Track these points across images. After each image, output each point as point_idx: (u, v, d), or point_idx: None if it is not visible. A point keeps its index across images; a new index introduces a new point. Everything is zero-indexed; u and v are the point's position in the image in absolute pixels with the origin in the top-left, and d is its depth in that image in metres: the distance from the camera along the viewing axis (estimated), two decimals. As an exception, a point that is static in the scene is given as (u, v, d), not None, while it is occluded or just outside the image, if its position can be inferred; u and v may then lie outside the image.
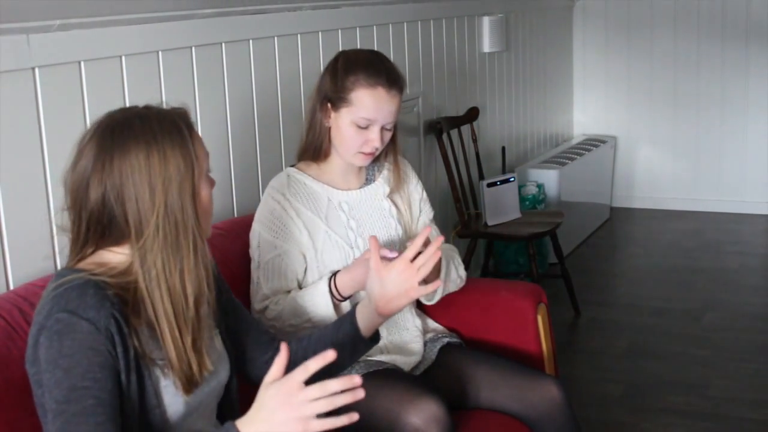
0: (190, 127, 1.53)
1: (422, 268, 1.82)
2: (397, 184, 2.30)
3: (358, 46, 3.27)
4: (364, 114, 2.11)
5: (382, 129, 2.14)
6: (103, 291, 1.45)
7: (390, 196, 2.30)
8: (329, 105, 2.15)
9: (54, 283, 1.48)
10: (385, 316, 1.85)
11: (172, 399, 1.53)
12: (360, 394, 1.43)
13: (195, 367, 1.52)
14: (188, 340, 1.50)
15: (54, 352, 1.42)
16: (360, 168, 2.27)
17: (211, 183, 1.59)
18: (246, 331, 1.81)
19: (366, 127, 2.12)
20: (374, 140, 2.13)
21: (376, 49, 3.41)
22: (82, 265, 1.52)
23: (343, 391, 1.41)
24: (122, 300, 1.47)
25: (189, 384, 1.52)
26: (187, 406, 1.56)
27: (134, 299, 1.49)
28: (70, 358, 1.41)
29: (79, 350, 1.42)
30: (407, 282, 1.81)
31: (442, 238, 1.90)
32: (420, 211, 2.38)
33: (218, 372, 1.65)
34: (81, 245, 1.52)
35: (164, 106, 1.55)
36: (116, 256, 1.52)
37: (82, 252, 1.52)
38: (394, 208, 2.29)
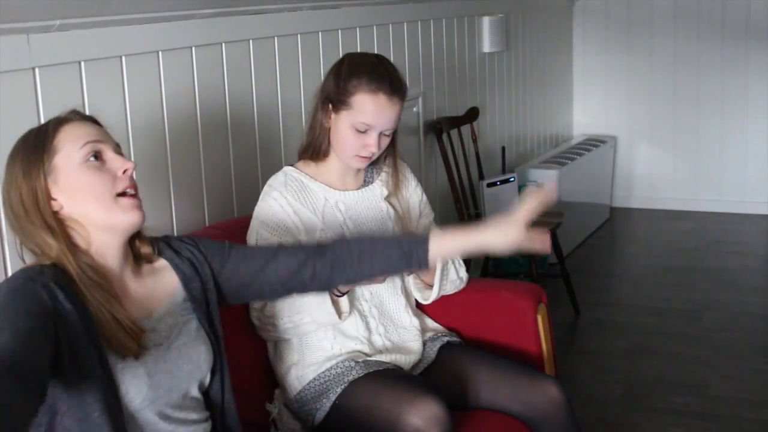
0: (56, 126, 1.60)
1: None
2: (396, 187, 2.31)
3: (358, 46, 3.27)
4: (364, 119, 2.11)
5: (381, 135, 2.14)
6: (35, 270, 1.52)
7: (388, 198, 2.30)
8: (330, 106, 2.16)
9: None
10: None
11: (132, 380, 1.55)
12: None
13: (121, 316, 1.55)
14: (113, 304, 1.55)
15: None
16: (359, 169, 2.27)
17: (112, 169, 1.61)
18: (263, 266, 1.80)
19: (364, 132, 2.13)
20: (372, 145, 2.14)
21: (376, 48, 3.42)
22: None
23: None
24: (58, 280, 1.52)
25: (131, 343, 1.54)
26: (151, 389, 1.57)
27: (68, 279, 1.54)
28: (4, 300, 1.45)
29: (13, 296, 1.45)
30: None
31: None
32: (420, 214, 2.38)
33: (189, 355, 1.67)
34: None
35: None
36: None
37: None
38: (392, 210, 2.29)
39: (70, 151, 1.57)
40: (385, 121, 2.12)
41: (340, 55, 2.24)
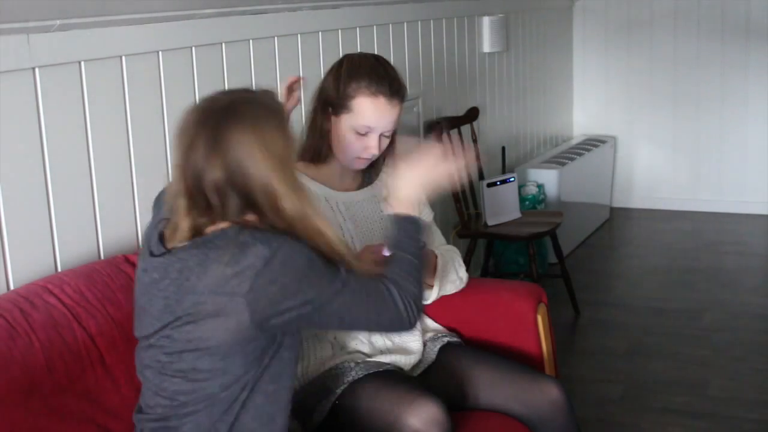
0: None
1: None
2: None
3: (358, 46, 3.27)
4: (364, 122, 2.11)
5: (381, 136, 2.14)
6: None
7: (387, 199, 2.29)
8: (330, 109, 2.15)
9: (235, 237, 1.55)
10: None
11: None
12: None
13: None
14: None
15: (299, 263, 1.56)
16: (358, 170, 2.27)
17: None
18: None
19: (365, 134, 2.13)
20: (372, 147, 2.14)
21: (376, 48, 3.42)
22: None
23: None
24: None
25: None
26: None
27: None
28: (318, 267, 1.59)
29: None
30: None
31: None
32: (419, 215, 2.36)
33: None
34: (206, 219, 1.60)
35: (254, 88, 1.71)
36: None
37: (214, 223, 1.60)
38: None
39: None
40: (386, 123, 2.13)
41: (340, 55, 2.24)
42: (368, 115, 2.11)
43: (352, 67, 2.15)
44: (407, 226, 1.82)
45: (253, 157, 1.55)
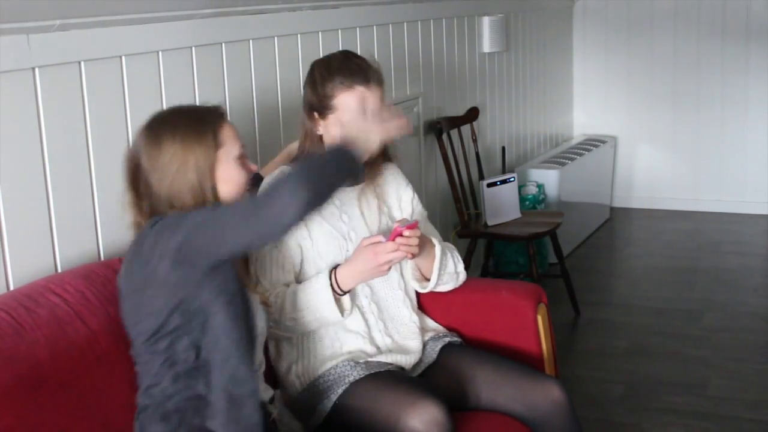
0: (219, 119, 1.83)
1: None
2: (378, 181, 2.30)
3: (358, 46, 3.27)
4: (352, 116, 2.12)
5: None
6: None
7: (378, 193, 2.29)
8: (316, 115, 2.17)
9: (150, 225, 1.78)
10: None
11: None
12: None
13: None
14: None
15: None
16: None
17: (247, 168, 1.85)
18: None
19: None
20: None
21: (376, 48, 3.42)
22: None
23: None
24: None
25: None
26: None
27: None
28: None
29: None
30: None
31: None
32: (413, 211, 2.37)
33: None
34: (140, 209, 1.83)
35: (201, 103, 1.91)
36: None
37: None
38: (384, 206, 2.29)
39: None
40: (372, 111, 2.13)
41: (340, 55, 2.24)
42: (353, 108, 2.13)
43: (323, 68, 2.19)
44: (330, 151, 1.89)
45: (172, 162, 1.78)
